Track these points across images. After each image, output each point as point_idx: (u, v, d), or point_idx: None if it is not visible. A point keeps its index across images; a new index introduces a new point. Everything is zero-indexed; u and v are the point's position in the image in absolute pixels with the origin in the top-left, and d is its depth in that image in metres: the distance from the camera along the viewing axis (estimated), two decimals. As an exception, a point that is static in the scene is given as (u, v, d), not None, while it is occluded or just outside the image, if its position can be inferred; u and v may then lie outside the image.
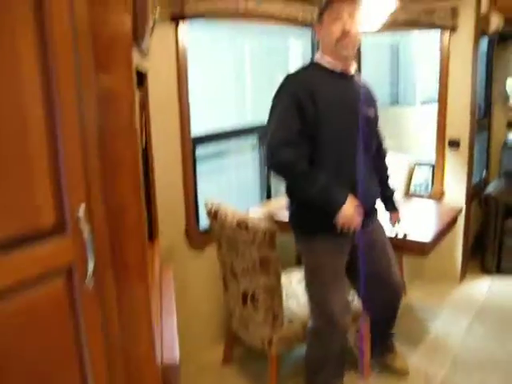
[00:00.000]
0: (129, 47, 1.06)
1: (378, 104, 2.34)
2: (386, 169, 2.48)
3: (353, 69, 2.20)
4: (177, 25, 2.60)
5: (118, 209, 1.08)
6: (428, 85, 6.34)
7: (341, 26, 2.03)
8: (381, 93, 6.93)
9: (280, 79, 2.14)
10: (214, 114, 3.29)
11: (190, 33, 2.73)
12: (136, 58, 1.64)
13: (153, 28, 1.74)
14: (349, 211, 2.01)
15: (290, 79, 2.13)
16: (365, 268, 2.16)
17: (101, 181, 1.02)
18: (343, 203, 2.00)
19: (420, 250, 2.67)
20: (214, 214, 2.49)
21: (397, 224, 2.57)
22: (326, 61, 2.12)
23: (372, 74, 6.55)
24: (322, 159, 2.07)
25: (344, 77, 2.15)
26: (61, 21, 0.88)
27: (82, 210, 0.94)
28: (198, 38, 3.26)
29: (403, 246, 2.66)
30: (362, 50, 3.85)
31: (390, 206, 2.53)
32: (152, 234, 2.14)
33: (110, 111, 1.04)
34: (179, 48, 2.64)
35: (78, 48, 0.93)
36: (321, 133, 2.04)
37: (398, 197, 2.66)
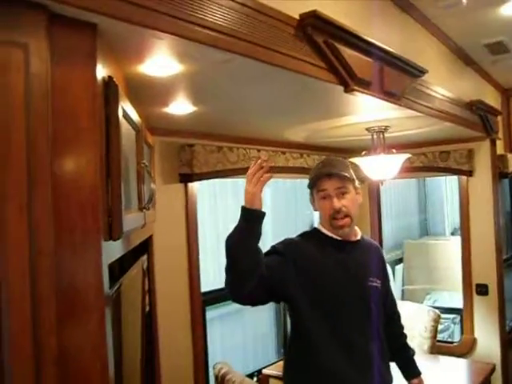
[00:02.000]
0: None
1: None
2: (401, 332, 2.29)
3: (357, 235, 2.08)
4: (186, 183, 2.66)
5: None
6: (457, 214, 6.29)
7: (329, 204, 1.93)
8: (409, 224, 6.89)
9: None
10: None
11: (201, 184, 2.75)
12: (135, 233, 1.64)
13: (151, 200, 1.75)
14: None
15: (285, 243, 1.95)
16: None
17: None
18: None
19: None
20: (220, 382, 2.35)
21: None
22: (324, 229, 2.02)
23: (400, 206, 6.56)
24: (322, 343, 1.85)
25: (347, 244, 2.00)
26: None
27: None
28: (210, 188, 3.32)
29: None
30: (390, 181, 3.70)
31: (411, 372, 2.29)
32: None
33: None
34: (188, 205, 2.68)
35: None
36: (318, 310, 1.85)
37: (419, 357, 2.44)
